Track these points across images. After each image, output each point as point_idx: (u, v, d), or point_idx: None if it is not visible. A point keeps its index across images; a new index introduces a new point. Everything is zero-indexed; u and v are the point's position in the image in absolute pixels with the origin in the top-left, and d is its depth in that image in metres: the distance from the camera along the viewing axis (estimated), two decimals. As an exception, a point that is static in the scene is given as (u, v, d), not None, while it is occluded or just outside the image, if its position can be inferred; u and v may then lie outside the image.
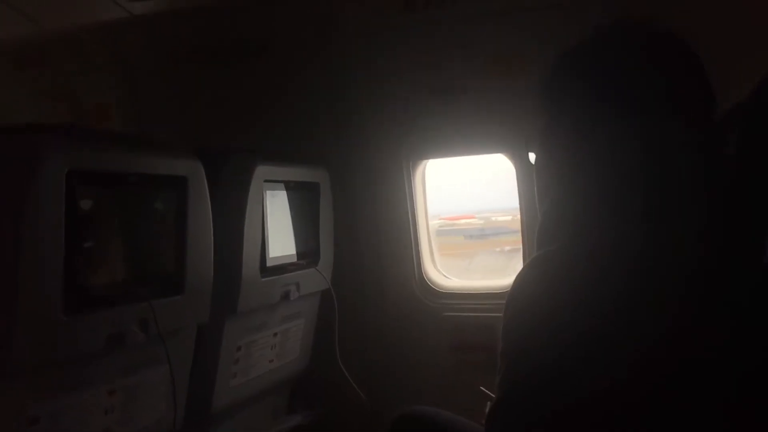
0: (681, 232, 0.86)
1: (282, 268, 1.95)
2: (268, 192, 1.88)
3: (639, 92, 0.95)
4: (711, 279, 0.82)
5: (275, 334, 2.03)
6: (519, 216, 2.14)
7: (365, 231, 2.34)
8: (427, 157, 2.32)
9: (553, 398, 0.81)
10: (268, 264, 1.88)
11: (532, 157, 1.11)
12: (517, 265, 2.31)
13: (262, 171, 1.84)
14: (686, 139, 0.91)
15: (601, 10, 1.75)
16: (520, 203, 2.15)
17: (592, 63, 0.99)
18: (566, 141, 0.99)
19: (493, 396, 1.07)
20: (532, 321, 0.86)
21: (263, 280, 1.86)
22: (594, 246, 0.88)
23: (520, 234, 2.19)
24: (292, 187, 2.01)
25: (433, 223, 2.43)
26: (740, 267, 0.84)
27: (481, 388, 1.54)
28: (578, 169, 0.96)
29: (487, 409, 0.93)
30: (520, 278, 0.93)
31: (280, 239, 1.95)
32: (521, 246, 2.20)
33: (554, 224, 0.99)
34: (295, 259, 2.02)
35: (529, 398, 0.83)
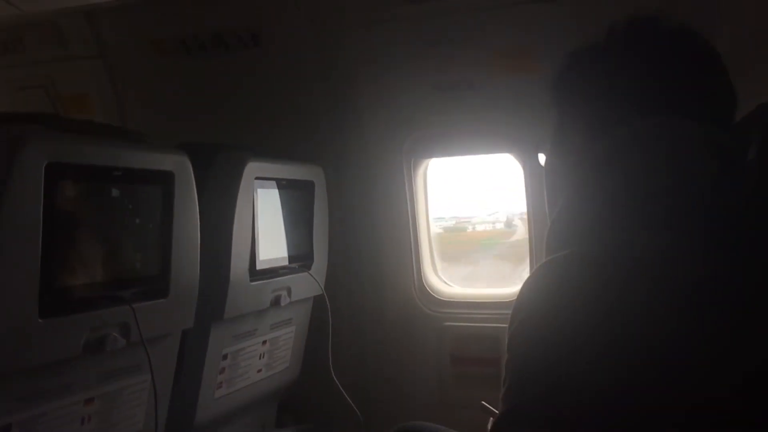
0: (703, 239, 0.86)
1: (272, 272, 1.96)
2: (259, 190, 1.88)
3: (657, 92, 0.97)
4: (738, 290, 0.83)
5: (264, 342, 2.04)
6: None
7: (362, 234, 2.34)
8: (430, 156, 2.33)
9: (562, 411, 0.81)
10: (258, 267, 1.88)
11: (541, 158, 1.12)
12: (522, 273, 2.32)
13: (252, 168, 1.85)
14: (706, 141, 0.92)
15: (615, 3, 1.76)
16: (528, 208, 2.16)
17: (607, 61, 1.01)
18: (580, 142, 1.00)
19: (496, 411, 1.07)
20: (541, 329, 0.87)
21: (252, 284, 1.87)
22: (611, 251, 0.88)
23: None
24: (284, 186, 2.01)
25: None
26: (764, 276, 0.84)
27: (483, 403, 1.55)
28: (593, 171, 0.96)
29: (489, 425, 0.93)
30: (529, 284, 0.93)
31: (271, 241, 1.95)
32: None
33: (565, 229, 0.99)
34: (286, 263, 2.02)
35: (536, 411, 0.84)
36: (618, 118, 0.96)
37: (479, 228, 3.00)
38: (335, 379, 2.17)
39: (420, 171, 2.35)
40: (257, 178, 1.87)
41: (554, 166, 1.08)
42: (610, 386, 0.80)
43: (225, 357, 1.87)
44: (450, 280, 2.42)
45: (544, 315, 0.88)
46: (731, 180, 0.91)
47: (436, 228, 2.48)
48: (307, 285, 2.12)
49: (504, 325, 0.92)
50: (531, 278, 0.95)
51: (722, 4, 1.74)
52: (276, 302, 1.98)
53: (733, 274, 0.84)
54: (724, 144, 0.93)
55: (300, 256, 2.09)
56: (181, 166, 1.56)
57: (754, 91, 1.07)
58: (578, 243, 0.93)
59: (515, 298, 0.94)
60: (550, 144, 1.08)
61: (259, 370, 2.05)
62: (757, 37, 1.73)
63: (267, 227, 1.93)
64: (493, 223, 2.97)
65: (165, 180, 1.52)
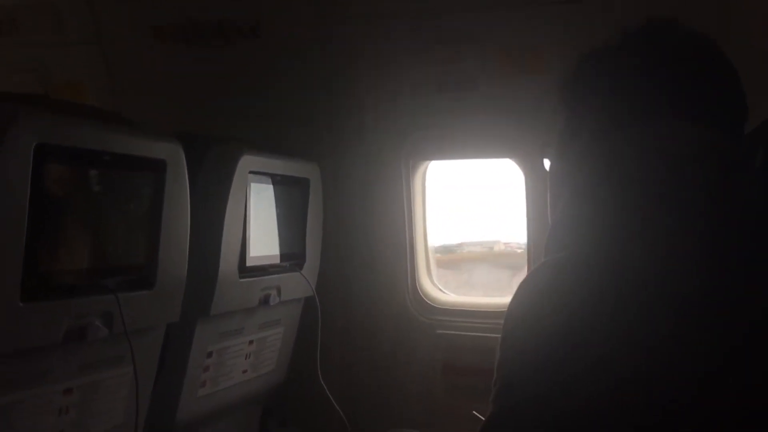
0: (701, 249, 0.87)
1: (262, 270, 1.96)
2: (252, 185, 1.89)
3: (667, 97, 0.97)
4: (737, 301, 0.83)
5: (251, 342, 2.04)
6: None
7: (356, 235, 2.35)
8: (430, 158, 2.34)
9: (553, 415, 0.82)
10: (248, 263, 1.88)
11: (546, 164, 1.13)
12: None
13: (247, 161, 1.85)
14: (709, 147, 0.93)
15: (624, 5, 1.77)
16: (528, 214, 2.17)
17: (618, 65, 1.01)
18: (587, 145, 1.01)
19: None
20: (534, 332, 0.87)
21: (241, 280, 1.87)
22: (607, 258, 0.89)
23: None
24: (279, 182, 2.02)
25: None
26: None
27: (474, 412, 1.55)
28: (593, 175, 0.97)
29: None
30: (524, 286, 0.94)
31: (263, 237, 1.96)
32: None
33: (565, 232, 1.00)
34: (277, 261, 2.03)
35: (526, 414, 0.84)
36: (625, 123, 0.97)
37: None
38: (323, 384, 2.17)
39: (419, 173, 2.36)
40: (251, 172, 1.88)
41: (558, 169, 1.09)
42: (603, 393, 0.80)
43: (210, 354, 1.88)
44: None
45: (538, 318, 0.89)
46: (734, 188, 0.92)
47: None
48: (298, 285, 2.12)
49: (499, 336, 0.93)
50: (527, 280, 0.96)
51: (735, 13, 1.76)
52: (265, 301, 1.98)
53: (731, 285, 0.84)
54: (728, 151, 0.94)
55: (292, 255, 2.10)
56: (173, 155, 1.57)
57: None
58: (578, 246, 0.94)
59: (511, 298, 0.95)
60: (555, 147, 1.09)
61: (245, 371, 2.05)
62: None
63: (259, 223, 1.93)
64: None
65: (156, 168, 1.53)
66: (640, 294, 0.84)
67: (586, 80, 1.05)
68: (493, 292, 2.54)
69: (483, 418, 1.53)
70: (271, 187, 2.00)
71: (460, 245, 2.87)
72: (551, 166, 1.12)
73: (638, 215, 0.90)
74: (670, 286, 0.84)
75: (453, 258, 2.81)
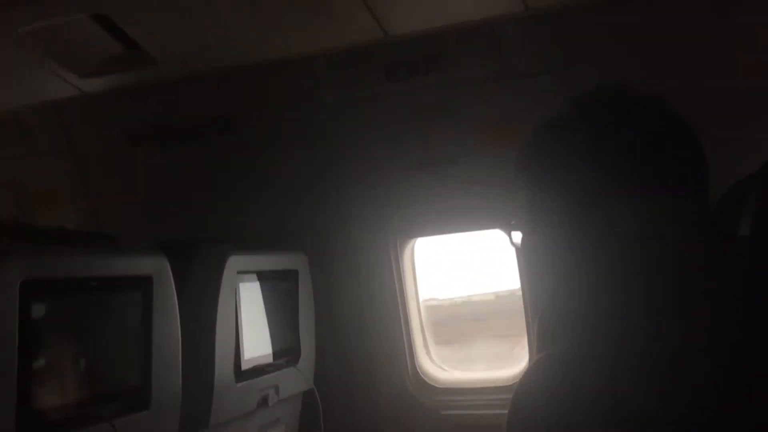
0: (705, 326, 0.88)
1: (259, 371, 1.96)
2: (241, 285, 1.90)
3: (628, 167, 0.99)
4: (750, 383, 0.84)
5: (253, 447, 2.01)
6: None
7: (350, 321, 2.35)
8: (416, 236, 2.36)
9: None
10: (243, 367, 1.88)
11: (515, 237, 1.13)
12: (521, 353, 2.32)
13: (234, 262, 1.87)
14: (687, 220, 0.95)
15: (599, 74, 1.83)
16: (522, 284, 2.19)
17: (573, 138, 1.03)
18: (557, 221, 1.01)
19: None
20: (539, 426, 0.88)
21: (238, 385, 1.86)
22: (614, 343, 0.89)
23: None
24: (267, 277, 2.03)
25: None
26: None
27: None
28: (578, 259, 0.98)
29: None
30: (525, 382, 0.95)
31: (256, 337, 1.96)
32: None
33: (554, 322, 1.01)
34: (272, 359, 2.02)
35: None
36: (593, 196, 0.97)
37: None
38: (328, 480, 2.14)
39: (407, 250, 2.38)
40: (239, 272, 1.89)
41: (533, 247, 1.09)
42: None
43: (210, 466, 1.85)
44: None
45: (546, 417, 0.89)
46: (722, 260, 0.93)
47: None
48: (296, 380, 2.11)
49: (505, 411, 0.93)
50: (527, 376, 0.96)
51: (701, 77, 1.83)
52: (263, 402, 1.97)
53: (737, 372, 0.84)
54: (707, 221, 0.95)
55: (286, 351, 2.10)
56: (159, 269, 1.59)
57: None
58: (575, 335, 0.95)
59: (515, 381, 0.95)
60: (524, 222, 1.09)
61: (249, 477, 2.02)
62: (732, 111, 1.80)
63: (251, 323, 1.94)
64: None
65: (143, 285, 1.54)
66: (658, 380, 0.84)
67: (543, 156, 1.05)
68: (495, 364, 2.53)
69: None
70: (259, 284, 2.01)
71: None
72: (524, 241, 1.11)
73: (629, 305, 0.91)
74: (687, 370, 0.84)
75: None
